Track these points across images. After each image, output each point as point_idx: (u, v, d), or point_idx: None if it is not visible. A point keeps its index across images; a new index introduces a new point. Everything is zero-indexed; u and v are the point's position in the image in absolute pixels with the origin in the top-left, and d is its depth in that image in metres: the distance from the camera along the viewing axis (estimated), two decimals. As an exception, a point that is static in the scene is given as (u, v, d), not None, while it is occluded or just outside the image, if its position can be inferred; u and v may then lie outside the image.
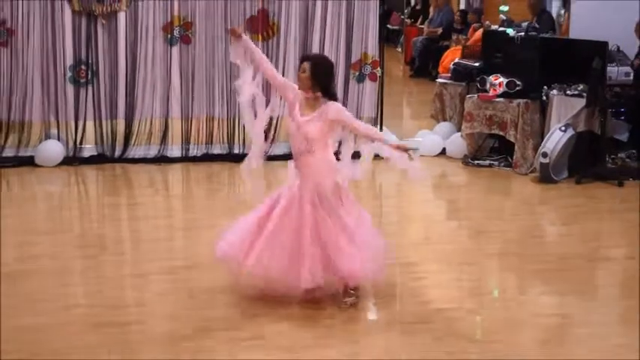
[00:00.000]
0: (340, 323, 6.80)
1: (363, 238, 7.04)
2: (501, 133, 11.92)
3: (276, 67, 10.11)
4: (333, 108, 6.96)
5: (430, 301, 7.31)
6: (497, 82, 11.84)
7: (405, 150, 7.00)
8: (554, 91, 11.60)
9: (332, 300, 7.09)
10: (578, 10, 12.90)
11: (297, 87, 7.07)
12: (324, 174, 7.00)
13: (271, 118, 9.26)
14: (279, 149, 11.49)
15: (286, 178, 7.20)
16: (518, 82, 11.73)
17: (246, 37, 7.21)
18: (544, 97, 11.78)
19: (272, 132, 11.66)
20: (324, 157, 7.02)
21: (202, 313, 6.94)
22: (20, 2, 11.60)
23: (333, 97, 7.05)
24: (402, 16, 25.62)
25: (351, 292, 7.11)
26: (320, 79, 6.99)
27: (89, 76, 11.90)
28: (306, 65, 7.01)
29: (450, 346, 6.38)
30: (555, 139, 11.10)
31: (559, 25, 15.42)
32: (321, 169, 7.01)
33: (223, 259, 7.18)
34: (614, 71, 11.32)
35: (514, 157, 11.74)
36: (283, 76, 8.34)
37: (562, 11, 15.87)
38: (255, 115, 7.26)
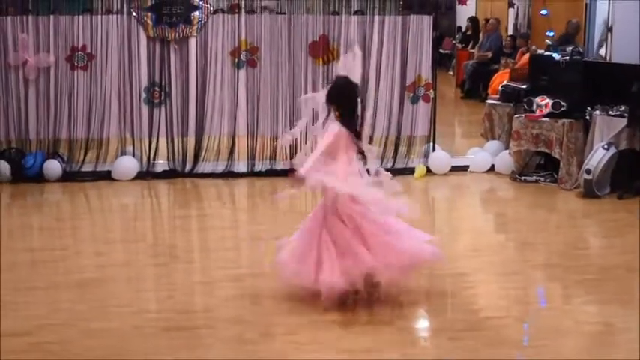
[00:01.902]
0: (395, 329, 6.76)
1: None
2: (547, 151, 11.83)
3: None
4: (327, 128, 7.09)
5: (479, 309, 7.26)
6: (544, 102, 11.76)
7: None
8: (597, 112, 11.47)
9: (387, 308, 7.07)
10: (620, 35, 12.78)
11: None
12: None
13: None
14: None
15: None
16: (563, 103, 11.63)
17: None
18: (587, 117, 11.66)
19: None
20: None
21: (266, 318, 6.95)
22: (99, 29, 11.74)
23: (350, 117, 7.09)
24: (454, 41, 25.51)
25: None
26: (333, 99, 7.12)
27: (162, 97, 12.00)
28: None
29: (498, 352, 6.32)
30: (598, 156, 10.99)
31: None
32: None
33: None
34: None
35: (559, 173, 11.64)
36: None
37: (603, 37, 15.73)
38: None
